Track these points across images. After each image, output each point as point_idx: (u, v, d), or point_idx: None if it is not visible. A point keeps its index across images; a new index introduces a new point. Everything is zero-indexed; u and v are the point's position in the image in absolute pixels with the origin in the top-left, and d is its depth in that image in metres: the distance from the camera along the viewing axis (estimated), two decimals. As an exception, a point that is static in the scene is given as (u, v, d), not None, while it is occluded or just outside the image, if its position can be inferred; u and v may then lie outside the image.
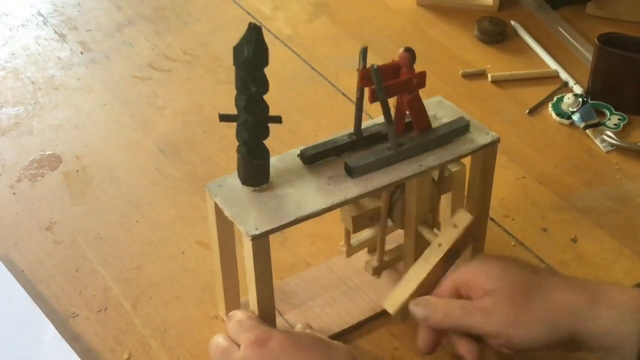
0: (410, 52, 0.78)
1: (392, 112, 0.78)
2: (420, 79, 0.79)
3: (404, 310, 0.78)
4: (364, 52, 0.75)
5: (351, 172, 0.77)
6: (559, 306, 0.68)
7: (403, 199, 0.83)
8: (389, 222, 0.85)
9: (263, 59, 0.70)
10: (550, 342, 0.68)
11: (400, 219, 0.84)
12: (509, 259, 0.77)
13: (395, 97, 0.79)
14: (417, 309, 0.75)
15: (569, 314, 0.67)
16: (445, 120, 0.83)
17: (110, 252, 0.94)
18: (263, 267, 0.74)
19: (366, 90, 0.76)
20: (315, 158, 0.79)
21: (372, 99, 0.76)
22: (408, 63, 0.78)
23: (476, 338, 0.72)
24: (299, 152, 0.79)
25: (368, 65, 0.75)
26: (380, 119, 0.81)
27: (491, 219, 0.97)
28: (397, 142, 0.78)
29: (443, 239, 0.82)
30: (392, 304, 0.79)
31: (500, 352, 0.73)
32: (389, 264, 0.88)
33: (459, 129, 0.82)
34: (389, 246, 0.87)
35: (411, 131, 0.81)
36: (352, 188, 0.76)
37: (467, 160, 0.84)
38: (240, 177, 0.76)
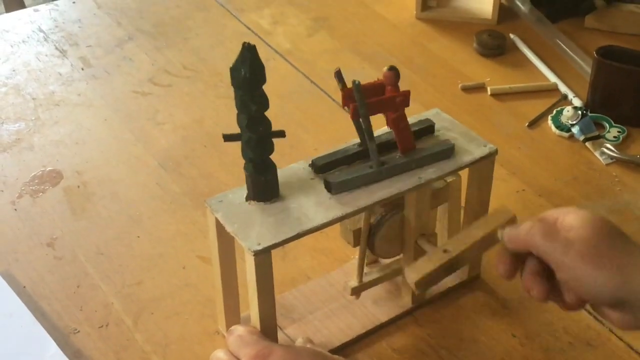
0: (394, 71, 0.78)
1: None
2: (404, 98, 0.79)
3: (425, 283, 0.75)
4: (338, 75, 0.76)
5: (330, 189, 0.77)
6: (636, 265, 0.67)
7: (384, 232, 0.83)
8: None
9: (260, 77, 0.71)
10: (617, 295, 0.67)
11: (382, 248, 0.84)
12: (600, 214, 0.75)
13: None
14: (505, 230, 0.74)
15: None
16: (443, 132, 0.84)
17: (111, 268, 0.95)
18: (265, 282, 0.74)
19: (349, 108, 0.77)
20: (326, 167, 0.79)
21: (354, 116, 0.76)
22: (392, 81, 0.78)
23: (548, 276, 0.72)
24: (300, 166, 0.80)
25: (350, 85, 0.76)
26: (385, 128, 0.82)
27: (491, 232, 0.98)
28: (378, 160, 0.79)
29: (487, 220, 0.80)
30: (413, 274, 0.75)
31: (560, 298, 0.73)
32: (369, 285, 0.87)
33: (444, 151, 0.82)
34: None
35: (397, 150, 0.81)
36: (353, 202, 0.77)
37: (462, 172, 0.85)
38: (250, 194, 0.77)
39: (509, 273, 0.74)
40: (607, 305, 0.70)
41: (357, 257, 0.86)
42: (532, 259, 0.72)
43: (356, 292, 0.86)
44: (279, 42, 1.34)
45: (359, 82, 0.75)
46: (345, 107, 0.78)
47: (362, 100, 0.75)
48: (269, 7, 1.44)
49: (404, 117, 0.80)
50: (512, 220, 0.77)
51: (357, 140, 0.81)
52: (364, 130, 0.77)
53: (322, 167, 0.79)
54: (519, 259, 0.74)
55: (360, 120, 0.77)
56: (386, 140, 0.81)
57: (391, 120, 0.79)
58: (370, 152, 0.79)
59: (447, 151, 0.82)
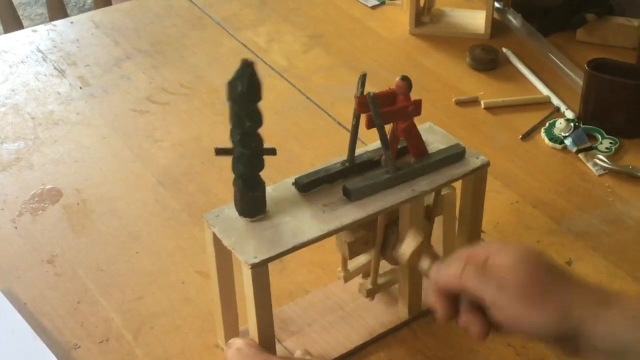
0: (406, 81, 0.80)
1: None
2: (416, 107, 0.81)
3: (414, 258, 0.76)
4: (362, 79, 0.78)
5: (349, 195, 0.79)
6: (572, 300, 0.67)
7: (396, 235, 0.84)
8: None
9: (257, 93, 0.72)
10: (557, 331, 0.67)
11: (392, 256, 0.85)
12: (530, 247, 0.74)
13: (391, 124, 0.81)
14: (433, 267, 0.73)
15: (581, 310, 0.67)
16: (436, 145, 0.85)
17: (111, 284, 0.96)
18: (263, 295, 0.75)
19: (363, 117, 0.78)
20: (310, 186, 0.80)
21: (369, 125, 0.78)
22: (404, 91, 0.80)
23: (484, 314, 0.71)
24: (293, 181, 0.81)
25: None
26: (371, 146, 0.83)
27: (486, 243, 0.99)
28: (394, 167, 0.80)
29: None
30: (404, 253, 0.77)
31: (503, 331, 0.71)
32: (383, 287, 0.89)
33: (455, 154, 0.84)
34: (383, 269, 0.89)
35: (406, 156, 0.83)
36: (347, 214, 0.78)
37: (457, 184, 0.86)
38: (238, 209, 0.78)
39: (448, 316, 0.72)
40: (548, 339, 0.69)
41: (340, 269, 0.88)
42: (466, 296, 0.71)
43: (371, 294, 0.88)
44: (274, 59, 1.36)
45: (373, 94, 0.76)
46: (356, 116, 0.79)
47: (376, 110, 0.77)
48: (264, 25, 1.45)
49: (414, 125, 0.82)
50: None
51: (341, 158, 0.83)
52: (380, 138, 0.79)
53: (306, 186, 0.80)
54: (454, 297, 0.72)
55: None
56: (368, 159, 0.83)
57: (402, 128, 0.81)
58: (386, 159, 0.81)
59: (459, 154, 0.83)
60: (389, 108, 0.79)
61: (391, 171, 0.80)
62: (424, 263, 0.76)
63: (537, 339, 0.70)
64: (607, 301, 0.67)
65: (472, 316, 0.70)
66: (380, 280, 0.88)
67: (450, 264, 0.72)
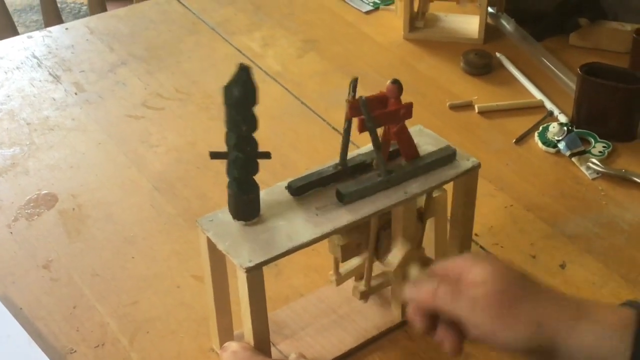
0: (397, 84, 0.80)
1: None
2: (407, 110, 0.81)
3: (402, 266, 0.78)
4: (354, 83, 0.78)
5: (342, 198, 0.79)
6: (545, 313, 0.68)
7: (390, 237, 0.85)
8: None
9: (253, 98, 0.72)
10: (531, 345, 0.68)
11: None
12: (501, 260, 0.75)
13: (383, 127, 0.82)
14: (407, 287, 0.74)
15: (554, 323, 0.67)
16: (426, 147, 0.86)
17: (107, 289, 0.96)
18: (257, 298, 0.76)
19: (355, 120, 0.79)
20: (302, 189, 0.81)
21: (361, 129, 0.78)
22: (395, 94, 0.81)
23: (460, 328, 0.72)
24: (286, 185, 0.81)
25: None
26: (363, 149, 0.83)
27: (480, 246, 0.99)
28: (386, 170, 0.81)
29: None
30: (391, 261, 0.78)
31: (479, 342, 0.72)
32: (376, 289, 0.89)
33: (446, 156, 0.84)
34: (375, 272, 0.89)
35: (397, 159, 0.83)
36: (340, 217, 0.78)
37: (449, 186, 0.87)
38: (232, 213, 0.78)
39: (425, 331, 0.73)
40: (524, 353, 0.69)
41: (332, 273, 0.89)
42: (442, 313, 0.72)
43: (364, 296, 0.88)
44: (269, 64, 1.36)
45: (365, 98, 0.77)
46: (347, 120, 0.79)
47: (369, 114, 0.77)
48: (259, 30, 1.46)
49: (405, 128, 0.82)
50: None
51: (334, 161, 0.83)
52: (372, 141, 0.79)
53: (299, 189, 0.81)
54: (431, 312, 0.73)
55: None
56: (360, 162, 0.83)
57: (394, 131, 0.81)
58: (378, 162, 0.81)
59: (450, 156, 0.84)
60: (381, 111, 0.80)
61: (383, 174, 0.81)
62: (413, 271, 0.78)
63: (513, 353, 0.70)
64: (581, 314, 0.67)
65: (446, 332, 0.72)
66: (373, 283, 0.88)
67: (424, 282, 0.73)
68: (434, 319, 0.73)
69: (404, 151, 0.83)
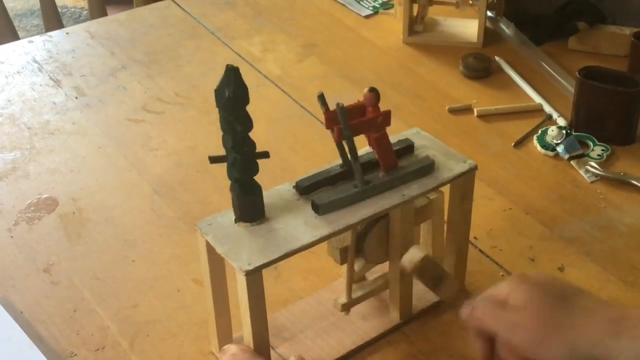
0: (374, 92, 0.81)
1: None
2: (385, 118, 0.81)
3: (419, 269, 0.79)
4: (321, 98, 0.79)
5: (318, 210, 0.79)
6: (581, 334, 0.69)
7: (376, 233, 0.85)
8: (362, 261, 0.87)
9: (244, 97, 0.73)
10: None
11: (372, 254, 0.86)
12: (546, 279, 0.77)
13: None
14: (463, 309, 0.77)
15: (590, 343, 0.69)
16: (425, 150, 0.87)
17: (107, 292, 0.96)
18: (257, 301, 0.76)
19: (334, 131, 0.79)
20: (310, 189, 0.81)
21: (338, 138, 0.79)
22: (373, 102, 0.81)
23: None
24: (286, 187, 0.82)
25: (332, 108, 0.78)
26: (363, 150, 0.84)
27: (479, 250, 1.00)
28: (363, 179, 0.81)
29: None
30: (409, 261, 0.79)
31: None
32: (358, 301, 0.89)
33: (425, 167, 0.84)
34: (373, 275, 0.89)
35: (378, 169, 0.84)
36: (339, 220, 0.79)
37: (445, 188, 0.87)
38: (236, 214, 0.79)
39: (485, 357, 0.76)
40: None
41: (344, 275, 0.88)
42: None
43: (346, 308, 0.88)
44: (269, 68, 1.37)
45: (342, 104, 0.77)
46: (330, 130, 0.80)
47: (345, 122, 0.77)
48: (259, 35, 1.46)
49: (385, 136, 0.82)
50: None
51: (339, 162, 0.83)
52: (349, 151, 0.80)
53: (306, 189, 0.81)
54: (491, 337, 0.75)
55: (344, 141, 0.79)
56: (368, 160, 0.84)
57: (373, 139, 0.81)
58: (355, 172, 0.81)
59: (428, 167, 0.84)
60: (359, 120, 0.80)
61: (360, 184, 0.81)
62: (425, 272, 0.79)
63: None
64: (619, 329, 0.68)
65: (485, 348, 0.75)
66: (355, 294, 0.88)
67: (473, 305, 0.76)
68: (492, 344, 0.75)
69: (382, 160, 0.82)
